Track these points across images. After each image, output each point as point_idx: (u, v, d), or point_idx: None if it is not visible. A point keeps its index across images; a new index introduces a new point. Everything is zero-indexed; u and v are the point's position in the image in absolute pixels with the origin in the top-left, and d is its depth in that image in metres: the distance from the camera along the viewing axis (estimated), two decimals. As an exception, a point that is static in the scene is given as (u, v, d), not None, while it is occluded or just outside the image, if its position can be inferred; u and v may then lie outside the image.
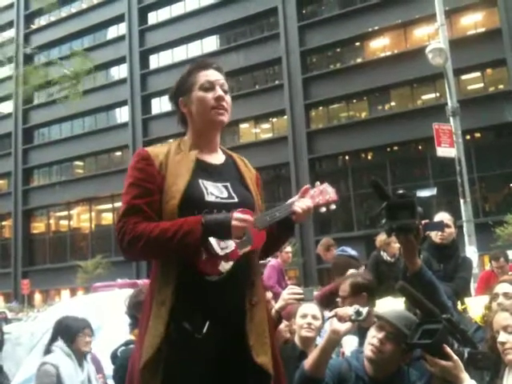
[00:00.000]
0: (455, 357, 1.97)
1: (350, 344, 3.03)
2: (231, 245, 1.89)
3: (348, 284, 3.32)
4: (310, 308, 3.04)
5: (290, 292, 2.86)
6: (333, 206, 2.17)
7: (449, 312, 2.31)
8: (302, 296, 2.82)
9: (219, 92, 2.11)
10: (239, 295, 1.97)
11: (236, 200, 2.02)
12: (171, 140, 2.21)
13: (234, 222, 1.86)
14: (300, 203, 2.08)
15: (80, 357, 3.83)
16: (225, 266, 1.88)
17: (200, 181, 2.01)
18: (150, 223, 1.91)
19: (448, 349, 1.97)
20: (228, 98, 2.14)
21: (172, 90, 2.23)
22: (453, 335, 2.04)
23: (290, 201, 2.14)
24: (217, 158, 2.16)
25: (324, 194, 2.16)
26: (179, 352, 1.87)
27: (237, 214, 1.89)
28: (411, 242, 2.26)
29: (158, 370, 1.85)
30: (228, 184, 2.07)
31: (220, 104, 2.10)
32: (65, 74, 12.97)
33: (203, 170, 2.05)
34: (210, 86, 2.11)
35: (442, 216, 4.09)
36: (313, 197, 2.14)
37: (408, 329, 2.19)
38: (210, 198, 1.98)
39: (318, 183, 2.20)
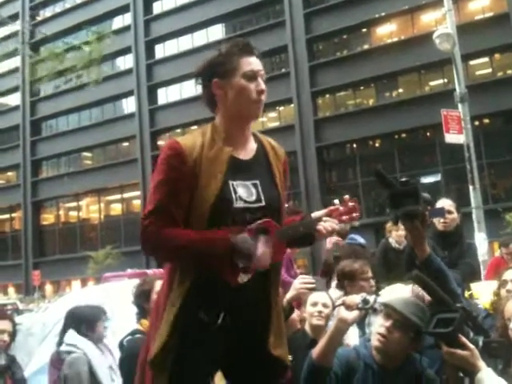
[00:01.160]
0: (471, 346, 1.97)
1: (352, 337, 3.02)
2: None
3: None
4: (321, 296, 3.04)
5: (302, 281, 2.84)
6: (356, 223, 2.19)
7: (458, 299, 2.32)
8: (313, 285, 2.80)
9: (262, 85, 2.06)
10: (260, 293, 2.00)
11: (263, 204, 2.01)
12: (178, 130, 2.16)
13: (258, 256, 1.89)
14: (326, 224, 2.09)
15: (100, 343, 3.86)
16: (243, 278, 1.90)
17: (231, 183, 1.97)
18: (176, 230, 1.89)
19: (464, 338, 1.98)
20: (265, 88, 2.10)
21: (204, 67, 2.11)
22: (466, 324, 2.04)
23: (314, 215, 2.16)
24: (248, 149, 2.11)
25: (351, 212, 2.16)
26: (192, 344, 1.90)
27: (261, 251, 1.89)
28: (418, 229, 2.26)
29: (166, 364, 1.88)
30: (257, 182, 2.04)
31: (260, 98, 2.06)
32: (78, 61, 12.92)
33: (235, 168, 2.01)
34: (253, 76, 2.05)
35: (444, 202, 4.03)
36: (340, 214, 2.14)
37: (415, 316, 2.19)
38: (238, 205, 1.96)
39: (347, 197, 2.18)
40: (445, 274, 2.41)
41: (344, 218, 2.15)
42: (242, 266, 1.88)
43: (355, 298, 2.31)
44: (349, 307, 2.24)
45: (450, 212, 3.93)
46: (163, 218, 1.90)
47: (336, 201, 2.18)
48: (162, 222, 1.89)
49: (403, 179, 2.28)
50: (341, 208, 2.16)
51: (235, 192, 1.97)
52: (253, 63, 2.07)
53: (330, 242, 6.49)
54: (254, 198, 2.00)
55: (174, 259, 1.97)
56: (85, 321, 3.84)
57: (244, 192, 1.99)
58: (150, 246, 1.93)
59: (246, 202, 1.98)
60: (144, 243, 1.92)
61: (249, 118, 2.10)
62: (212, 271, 1.89)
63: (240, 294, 1.92)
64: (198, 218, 1.92)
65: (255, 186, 2.03)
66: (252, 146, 2.14)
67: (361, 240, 6.40)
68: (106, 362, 3.76)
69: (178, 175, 1.93)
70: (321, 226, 2.07)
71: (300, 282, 2.85)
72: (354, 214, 2.16)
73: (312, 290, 2.83)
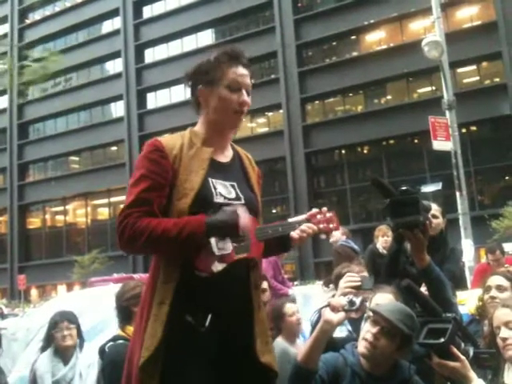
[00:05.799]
0: (462, 357, 1.97)
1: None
2: (229, 247, 1.90)
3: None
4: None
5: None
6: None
7: (453, 309, 2.31)
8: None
9: (245, 97, 2.06)
10: (242, 296, 1.98)
11: (242, 201, 2.02)
12: (167, 135, 2.16)
13: (241, 221, 1.88)
14: (305, 227, 2.09)
15: (66, 352, 3.76)
16: (217, 267, 1.87)
17: (210, 180, 1.99)
18: (152, 219, 1.87)
19: (455, 349, 1.97)
20: (249, 99, 2.09)
21: (191, 73, 2.11)
22: (457, 334, 2.04)
23: (294, 219, 2.17)
24: (226, 154, 2.13)
25: (329, 222, 2.16)
26: (180, 348, 1.87)
27: (242, 211, 1.89)
28: (418, 239, 2.27)
29: (156, 369, 1.84)
30: (235, 184, 2.06)
31: (242, 109, 2.06)
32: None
33: (214, 168, 2.02)
34: (236, 87, 2.04)
35: None
36: (318, 222, 2.14)
37: (403, 323, 2.18)
38: (218, 199, 1.96)
39: (325, 209, 2.19)
40: (443, 283, 2.42)
41: (322, 226, 2.14)
42: (218, 254, 1.86)
43: (341, 300, 2.28)
44: (335, 309, 2.22)
45: (434, 216, 3.93)
46: (142, 209, 1.89)
47: (314, 210, 2.18)
48: (139, 213, 1.88)
49: (403, 188, 2.26)
50: (319, 215, 2.16)
51: (215, 188, 1.99)
52: (239, 74, 2.06)
53: (336, 235, 6.63)
54: (233, 195, 2.02)
55: (151, 248, 1.95)
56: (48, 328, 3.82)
57: (223, 189, 2.01)
58: (125, 238, 1.89)
59: (225, 198, 1.99)
60: (121, 235, 1.89)
61: (228, 128, 2.12)
62: (192, 268, 1.87)
63: (223, 296, 1.91)
64: (179, 213, 1.91)
65: (233, 186, 2.05)
66: (229, 151, 2.16)
67: (355, 246, 6.57)
68: (60, 373, 3.70)
69: (159, 169, 1.94)
70: (298, 230, 2.07)
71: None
72: (331, 225, 2.16)
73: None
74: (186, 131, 2.12)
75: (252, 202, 2.07)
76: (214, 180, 2.00)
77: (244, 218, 1.89)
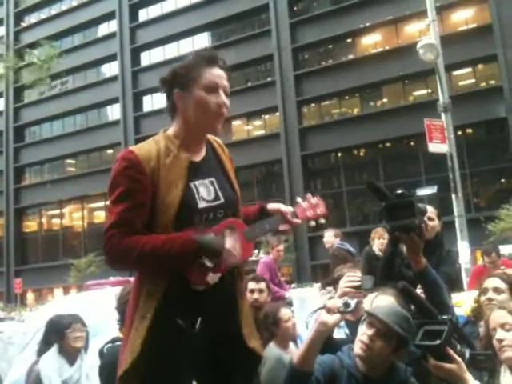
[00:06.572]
0: (458, 358, 1.98)
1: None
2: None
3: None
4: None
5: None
6: (322, 220, 2.16)
7: (449, 312, 2.32)
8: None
9: (222, 98, 2.00)
10: (228, 293, 2.00)
11: (222, 200, 2.01)
12: (141, 143, 2.09)
13: (225, 253, 1.88)
14: (291, 223, 2.11)
15: (72, 353, 3.77)
16: (214, 278, 1.88)
17: (192, 185, 1.97)
18: (139, 237, 1.86)
19: (451, 351, 1.98)
20: (228, 101, 2.03)
21: (167, 76, 2.07)
22: (452, 336, 2.05)
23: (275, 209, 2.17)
24: (201, 151, 2.10)
25: (315, 208, 2.16)
26: (171, 352, 1.88)
27: (228, 246, 1.89)
28: (414, 241, 2.28)
29: (136, 381, 1.86)
30: (213, 179, 2.04)
31: (221, 111, 2.00)
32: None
33: (192, 171, 1.99)
34: (213, 88, 1.99)
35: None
36: (304, 210, 2.14)
37: (398, 326, 2.18)
38: (201, 205, 1.95)
39: (309, 195, 2.19)
40: (439, 286, 2.43)
41: (308, 214, 2.13)
42: (210, 265, 1.86)
43: (337, 302, 2.29)
44: (330, 311, 2.22)
45: (430, 219, 3.94)
46: (126, 229, 1.87)
47: (299, 199, 2.17)
48: (124, 233, 1.87)
49: (399, 191, 2.28)
50: (304, 205, 2.15)
51: (198, 193, 1.97)
52: (215, 75, 2.00)
53: (330, 240, 6.66)
54: (212, 196, 2.00)
55: (140, 266, 1.95)
56: (52, 330, 3.81)
57: (204, 191, 1.99)
58: (112, 257, 1.89)
59: (207, 201, 1.98)
60: (107, 255, 1.90)
61: (206, 131, 2.07)
62: (182, 278, 1.87)
63: (212, 295, 1.92)
64: (163, 225, 1.90)
65: (212, 183, 2.03)
66: (203, 146, 2.13)
67: (350, 248, 6.62)
68: (67, 373, 3.70)
69: (138, 186, 1.90)
70: (286, 227, 2.09)
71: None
72: (319, 210, 2.15)
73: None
74: (160, 136, 2.07)
75: (231, 196, 2.06)
76: (196, 183, 1.98)
77: (232, 247, 1.90)
